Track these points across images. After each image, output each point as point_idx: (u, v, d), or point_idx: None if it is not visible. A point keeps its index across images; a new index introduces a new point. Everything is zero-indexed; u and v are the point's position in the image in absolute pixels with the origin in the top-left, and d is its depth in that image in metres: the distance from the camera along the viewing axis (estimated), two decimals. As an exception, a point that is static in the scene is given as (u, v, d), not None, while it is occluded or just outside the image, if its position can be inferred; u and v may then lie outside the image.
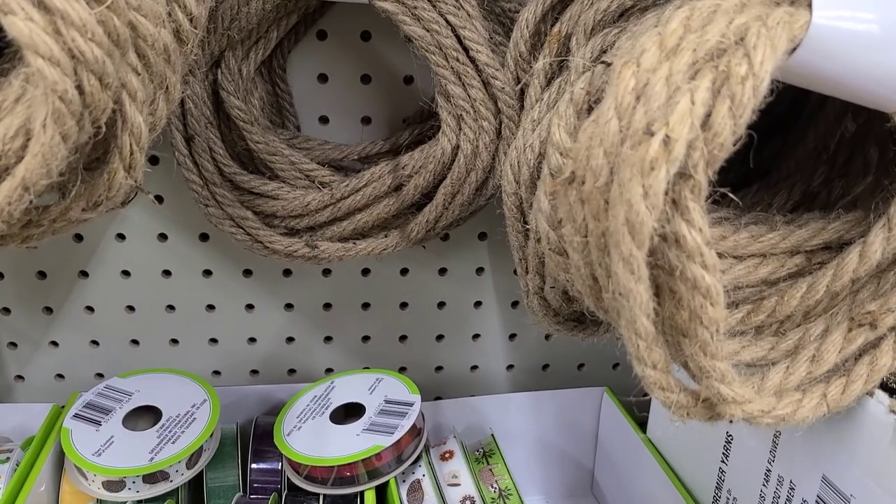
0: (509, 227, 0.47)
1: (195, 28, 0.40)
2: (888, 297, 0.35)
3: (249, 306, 0.67)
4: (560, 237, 0.38)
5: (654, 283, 0.32)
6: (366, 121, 0.61)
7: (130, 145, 0.34)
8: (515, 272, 0.68)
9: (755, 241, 0.38)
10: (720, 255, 0.38)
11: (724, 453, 0.50)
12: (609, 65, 0.36)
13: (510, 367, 0.73)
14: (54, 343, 0.67)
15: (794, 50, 0.30)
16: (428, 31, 0.47)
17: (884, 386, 0.38)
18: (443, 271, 0.67)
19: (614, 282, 0.31)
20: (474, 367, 0.72)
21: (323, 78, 0.59)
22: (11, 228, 0.34)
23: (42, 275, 0.64)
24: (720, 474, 0.51)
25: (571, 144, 0.36)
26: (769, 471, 0.45)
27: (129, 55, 0.33)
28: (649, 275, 0.31)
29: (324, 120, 0.61)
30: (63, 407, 0.62)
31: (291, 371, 0.70)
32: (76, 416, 0.56)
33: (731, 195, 0.32)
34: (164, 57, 0.36)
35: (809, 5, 0.30)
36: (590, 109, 0.37)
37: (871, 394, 0.38)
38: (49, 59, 0.29)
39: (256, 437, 0.59)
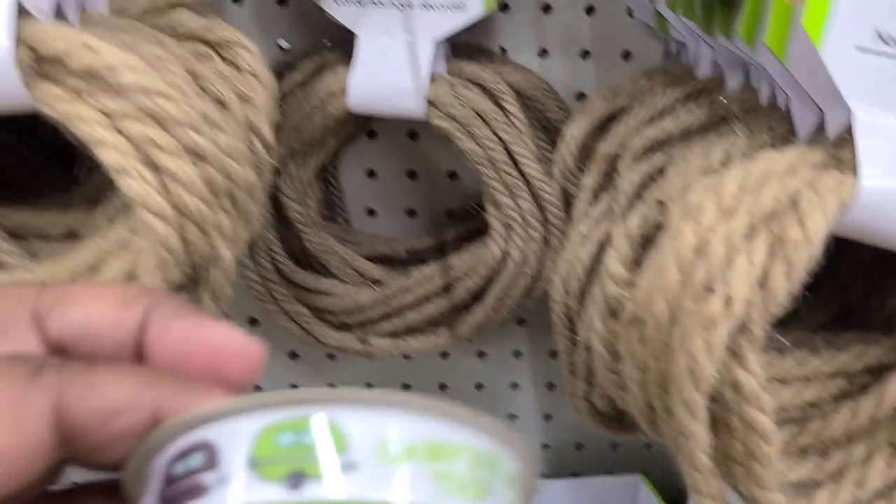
0: (557, 333, 0.49)
1: (270, 157, 0.43)
2: (929, 424, 0.37)
3: (294, 387, 0.69)
4: (616, 365, 0.40)
5: (710, 416, 0.34)
6: (411, 213, 0.64)
7: (219, 280, 0.37)
8: (552, 356, 0.70)
9: (799, 367, 0.40)
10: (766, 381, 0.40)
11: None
12: (662, 203, 0.38)
13: (545, 446, 0.74)
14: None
15: (845, 210, 0.32)
16: (481, 146, 0.49)
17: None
18: (481, 354, 0.69)
19: (674, 420, 0.33)
20: (510, 446, 0.74)
21: (371, 173, 0.62)
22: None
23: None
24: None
25: (627, 276, 0.38)
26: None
27: (222, 199, 0.36)
28: (707, 412, 0.33)
29: (371, 212, 0.64)
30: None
31: (332, 448, 0.72)
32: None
33: (781, 339, 0.34)
34: (248, 194, 0.38)
35: (856, 170, 0.32)
36: (643, 243, 0.39)
37: (913, 516, 0.39)
38: (159, 216, 0.32)
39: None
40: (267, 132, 0.42)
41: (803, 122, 0.37)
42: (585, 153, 0.51)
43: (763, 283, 0.30)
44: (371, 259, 0.58)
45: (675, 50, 0.54)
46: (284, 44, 0.58)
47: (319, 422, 0.18)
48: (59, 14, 0.36)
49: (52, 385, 0.19)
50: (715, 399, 0.34)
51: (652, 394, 0.35)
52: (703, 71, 0.48)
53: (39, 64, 0.32)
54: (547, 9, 0.58)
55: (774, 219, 0.31)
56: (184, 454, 0.19)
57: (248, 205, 0.39)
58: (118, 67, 0.31)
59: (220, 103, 0.38)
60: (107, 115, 0.32)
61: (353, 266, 0.56)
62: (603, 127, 0.51)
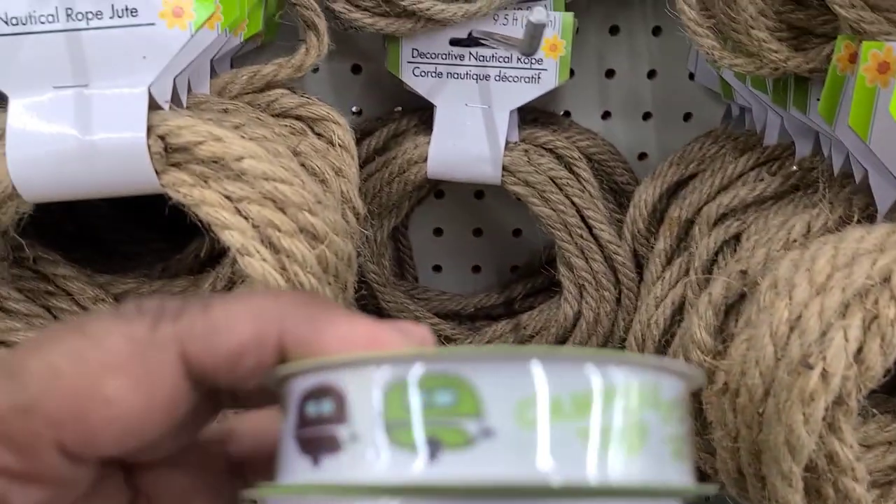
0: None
1: (360, 225, 0.45)
2: None
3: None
4: (699, 426, 0.41)
5: (804, 483, 0.35)
6: (476, 269, 0.66)
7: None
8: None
9: (882, 431, 0.41)
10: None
11: None
12: (745, 273, 0.40)
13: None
14: None
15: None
16: (555, 211, 0.51)
17: None
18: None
19: (770, 491, 0.34)
20: None
21: (438, 231, 0.64)
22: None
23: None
24: None
25: (712, 343, 0.40)
26: None
27: (330, 273, 0.38)
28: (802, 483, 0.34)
29: (437, 269, 0.65)
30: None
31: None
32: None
33: (874, 411, 0.35)
34: (347, 265, 0.40)
35: (944, 247, 0.33)
36: (727, 312, 0.41)
37: None
38: (277, 293, 0.34)
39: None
40: (358, 203, 0.44)
41: (883, 197, 0.38)
42: (656, 217, 0.52)
43: (859, 358, 0.32)
44: (440, 315, 0.60)
45: (736, 113, 0.56)
46: (357, 109, 0.61)
47: (472, 377, 0.16)
48: (175, 97, 0.39)
49: (173, 336, 0.19)
50: (810, 469, 0.35)
51: (743, 461, 0.36)
52: (771, 138, 0.49)
53: (168, 152, 0.34)
54: (610, 73, 0.60)
55: (867, 296, 0.32)
56: (314, 394, 0.18)
57: (346, 275, 0.41)
58: (243, 156, 0.33)
59: (321, 179, 0.40)
60: (230, 199, 0.34)
61: (427, 324, 0.58)
62: (672, 191, 0.53)
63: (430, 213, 0.64)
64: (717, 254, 0.46)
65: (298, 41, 0.46)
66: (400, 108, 0.59)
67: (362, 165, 0.55)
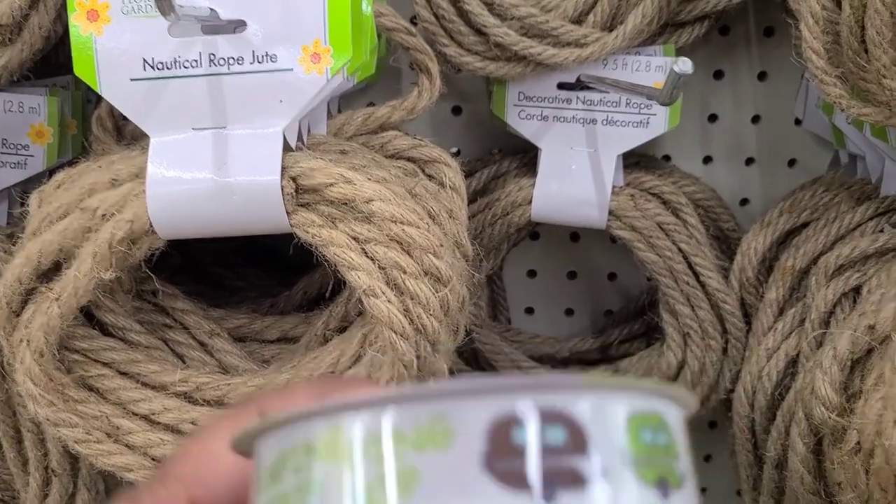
0: (738, 446, 0.49)
1: (470, 267, 0.45)
2: None
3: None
4: (820, 488, 0.39)
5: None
6: (569, 312, 0.65)
7: (436, 390, 0.39)
8: (706, 460, 0.69)
9: None
10: None
11: None
12: (873, 327, 0.38)
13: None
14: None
15: None
16: (661, 257, 0.51)
17: None
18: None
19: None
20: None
21: (532, 273, 0.64)
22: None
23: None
24: None
25: (838, 400, 0.38)
26: None
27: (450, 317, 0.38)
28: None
29: (529, 311, 0.65)
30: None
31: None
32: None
33: None
34: (460, 307, 0.40)
35: None
36: (852, 367, 0.39)
37: None
38: (401, 335, 0.34)
39: None
40: (468, 245, 0.44)
41: None
42: (765, 266, 0.51)
43: None
44: (534, 358, 0.59)
45: (845, 160, 0.55)
46: (455, 150, 0.61)
47: (672, 420, 0.16)
48: (299, 137, 0.40)
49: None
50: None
51: (876, 526, 0.35)
52: (890, 188, 0.48)
53: (299, 193, 0.35)
54: (713, 118, 0.59)
55: None
56: (534, 420, 0.16)
57: (458, 318, 0.41)
58: (373, 199, 0.34)
59: (437, 223, 0.41)
60: (357, 240, 0.34)
61: (522, 367, 0.57)
62: (782, 240, 0.51)
63: (525, 254, 0.63)
64: (835, 306, 0.45)
65: (410, 83, 0.47)
66: (499, 150, 0.60)
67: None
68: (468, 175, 0.57)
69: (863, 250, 0.44)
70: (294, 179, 0.35)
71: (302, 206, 0.35)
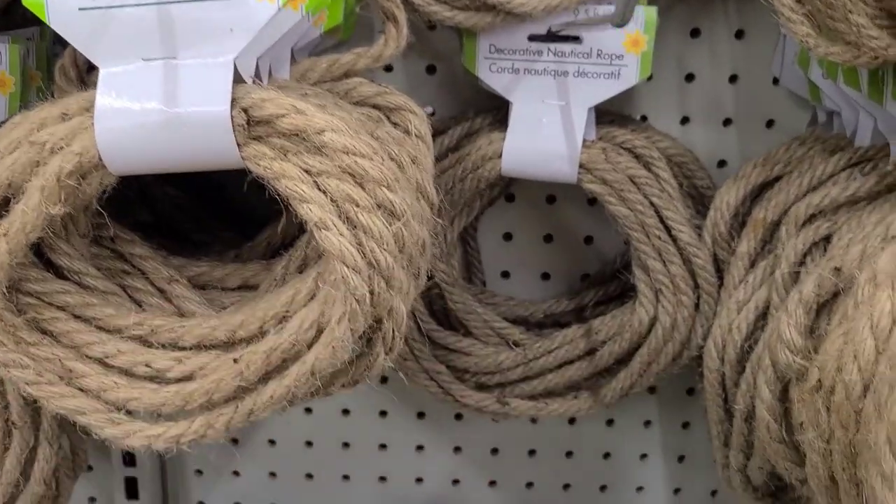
0: (709, 401, 0.48)
1: (434, 215, 0.44)
2: None
3: (420, 447, 0.69)
4: (786, 432, 0.39)
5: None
6: (545, 276, 0.64)
7: (393, 331, 0.38)
8: (685, 426, 0.68)
9: None
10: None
11: None
12: (839, 270, 0.38)
13: (673, 521, 0.72)
14: (236, 473, 0.70)
15: None
16: (632, 211, 0.50)
17: None
18: (610, 422, 0.68)
19: (868, 494, 0.32)
20: (636, 520, 0.72)
21: (508, 236, 0.63)
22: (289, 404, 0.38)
23: (233, 408, 0.68)
24: None
25: (802, 343, 0.38)
26: None
27: (405, 255, 0.37)
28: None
29: (505, 275, 0.64)
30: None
31: (454, 512, 0.72)
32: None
33: None
34: (421, 251, 0.40)
35: None
36: (818, 311, 0.38)
37: None
38: (353, 269, 0.33)
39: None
40: (433, 193, 0.43)
41: None
42: (738, 220, 0.51)
43: (972, 352, 0.29)
44: (509, 321, 0.59)
45: (823, 118, 0.54)
46: (430, 109, 0.61)
47: None
48: (256, 78, 0.39)
49: None
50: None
51: (836, 465, 0.34)
52: (863, 139, 0.47)
53: (251, 125, 0.34)
54: (690, 77, 0.58)
55: (980, 287, 0.30)
56: None
57: (419, 262, 0.40)
58: (325, 129, 0.33)
59: (398, 165, 0.40)
60: (309, 172, 0.34)
61: (494, 327, 0.57)
62: (756, 194, 0.51)
63: (500, 217, 0.63)
64: (805, 256, 0.44)
65: (378, 33, 0.47)
66: (474, 109, 0.59)
67: (435, 162, 0.54)
68: (441, 132, 0.56)
69: (833, 199, 0.44)
70: (245, 111, 0.34)
71: (254, 139, 0.34)
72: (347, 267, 0.33)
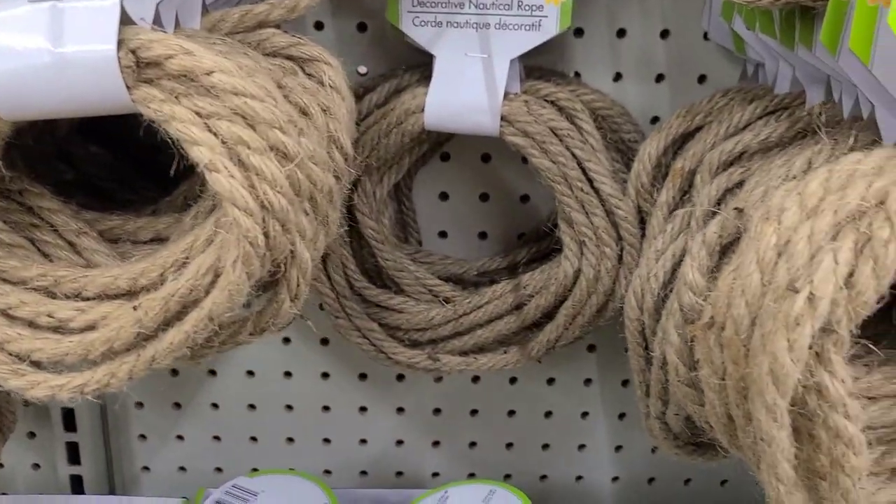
0: (630, 350, 0.49)
1: (349, 166, 0.44)
2: None
3: (363, 408, 0.70)
4: (693, 374, 0.39)
5: (792, 425, 0.33)
6: (482, 236, 0.64)
7: (298, 279, 0.38)
8: (624, 384, 0.69)
9: (888, 383, 0.38)
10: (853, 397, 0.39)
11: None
12: (741, 210, 0.38)
13: (615, 479, 0.72)
14: (180, 437, 0.70)
15: (933, 212, 0.31)
16: (555, 163, 0.50)
17: None
18: (551, 381, 0.69)
19: (756, 427, 0.32)
20: (579, 478, 0.72)
21: (444, 196, 0.63)
22: (191, 352, 0.38)
23: (174, 372, 0.68)
24: None
25: (705, 285, 0.38)
26: None
27: (304, 200, 0.37)
28: (789, 420, 0.32)
29: (443, 234, 0.64)
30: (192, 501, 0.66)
31: (399, 473, 0.72)
32: (205, 513, 0.59)
33: (871, 346, 0.33)
34: (328, 198, 0.39)
35: (947, 170, 0.31)
36: (722, 252, 0.39)
37: None
38: (244, 211, 0.33)
39: (370, 541, 0.61)
40: (346, 143, 0.43)
41: (889, 129, 0.36)
42: (661, 171, 0.51)
43: (849, 282, 0.30)
44: (443, 279, 0.59)
45: (751, 72, 0.54)
46: (363, 69, 0.60)
47: None
48: (157, 26, 0.38)
49: None
50: (799, 407, 0.32)
51: (731, 401, 0.34)
52: (782, 88, 0.47)
53: (140, 67, 0.34)
54: (621, 33, 0.58)
55: (861, 218, 0.30)
56: None
57: (327, 209, 0.40)
58: (213, 70, 0.33)
59: (304, 113, 0.40)
60: (199, 114, 0.33)
61: (426, 284, 0.57)
62: (679, 145, 0.51)
63: (436, 177, 0.62)
64: (719, 203, 0.44)
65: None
66: (404, 66, 0.58)
67: (363, 119, 0.54)
68: (371, 90, 0.56)
69: (746, 145, 0.44)
70: (133, 52, 0.33)
71: (144, 81, 0.34)
72: (239, 209, 0.33)
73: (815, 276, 0.30)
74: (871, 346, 0.32)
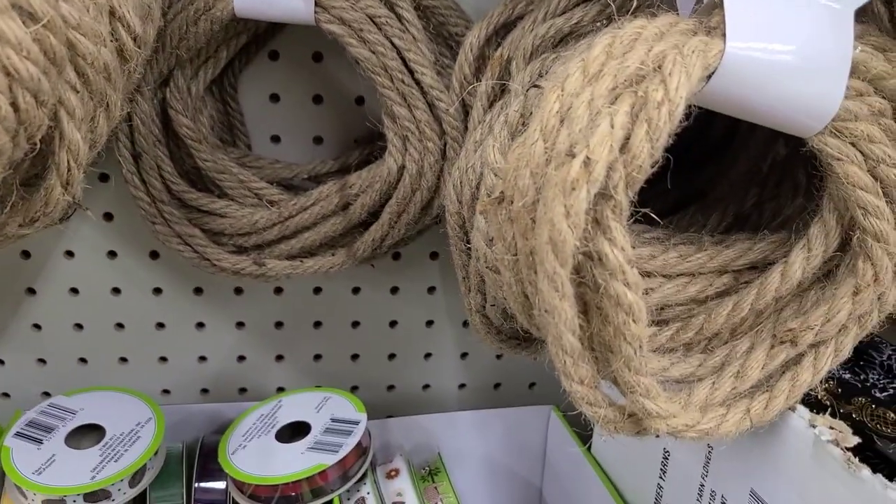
0: (453, 246, 0.48)
1: (139, 47, 0.40)
2: (808, 315, 0.37)
3: (200, 324, 0.67)
4: (493, 255, 0.38)
5: (581, 300, 0.33)
6: (317, 140, 0.62)
7: (68, 162, 0.35)
8: (466, 291, 0.68)
9: (684, 261, 0.39)
10: (649, 274, 0.39)
11: (661, 469, 0.51)
12: (540, 88, 0.37)
13: (462, 385, 0.73)
14: (1, 362, 0.66)
15: (709, 77, 0.31)
16: (374, 52, 0.48)
17: (805, 401, 0.39)
18: (394, 290, 0.68)
19: (540, 299, 0.32)
20: (426, 386, 0.73)
21: (275, 98, 0.60)
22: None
23: (-12, 292, 0.63)
24: (658, 490, 0.51)
25: (504, 164, 0.37)
26: (702, 486, 0.46)
27: (68, 73, 0.34)
28: (577, 292, 0.32)
29: (275, 139, 0.61)
30: (5, 426, 0.61)
31: (242, 390, 0.70)
32: (17, 434, 0.55)
33: (652, 216, 0.33)
34: (104, 75, 0.36)
35: (724, 35, 0.31)
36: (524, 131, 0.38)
37: (793, 409, 0.39)
38: (-18, 75, 0.29)
39: (202, 455, 0.59)
40: (132, 20, 0.39)
41: (685, 5, 0.36)
42: (484, 62, 0.49)
43: (625, 146, 0.29)
44: (271, 183, 0.56)
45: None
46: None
47: None
48: None
49: None
50: (585, 283, 0.32)
51: (524, 279, 0.34)
52: (601, -24, 0.46)
53: None
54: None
55: (640, 83, 0.30)
56: None
57: (104, 88, 0.36)
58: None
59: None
60: (-75, -34, 0.29)
61: (250, 187, 0.54)
62: (502, 36, 0.49)
63: (265, 77, 0.59)
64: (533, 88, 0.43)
65: None
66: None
67: (170, 7, 0.50)
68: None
69: (559, 29, 0.43)
70: None
71: None
72: (-24, 74, 0.29)
73: (591, 141, 0.29)
74: (650, 213, 0.32)
